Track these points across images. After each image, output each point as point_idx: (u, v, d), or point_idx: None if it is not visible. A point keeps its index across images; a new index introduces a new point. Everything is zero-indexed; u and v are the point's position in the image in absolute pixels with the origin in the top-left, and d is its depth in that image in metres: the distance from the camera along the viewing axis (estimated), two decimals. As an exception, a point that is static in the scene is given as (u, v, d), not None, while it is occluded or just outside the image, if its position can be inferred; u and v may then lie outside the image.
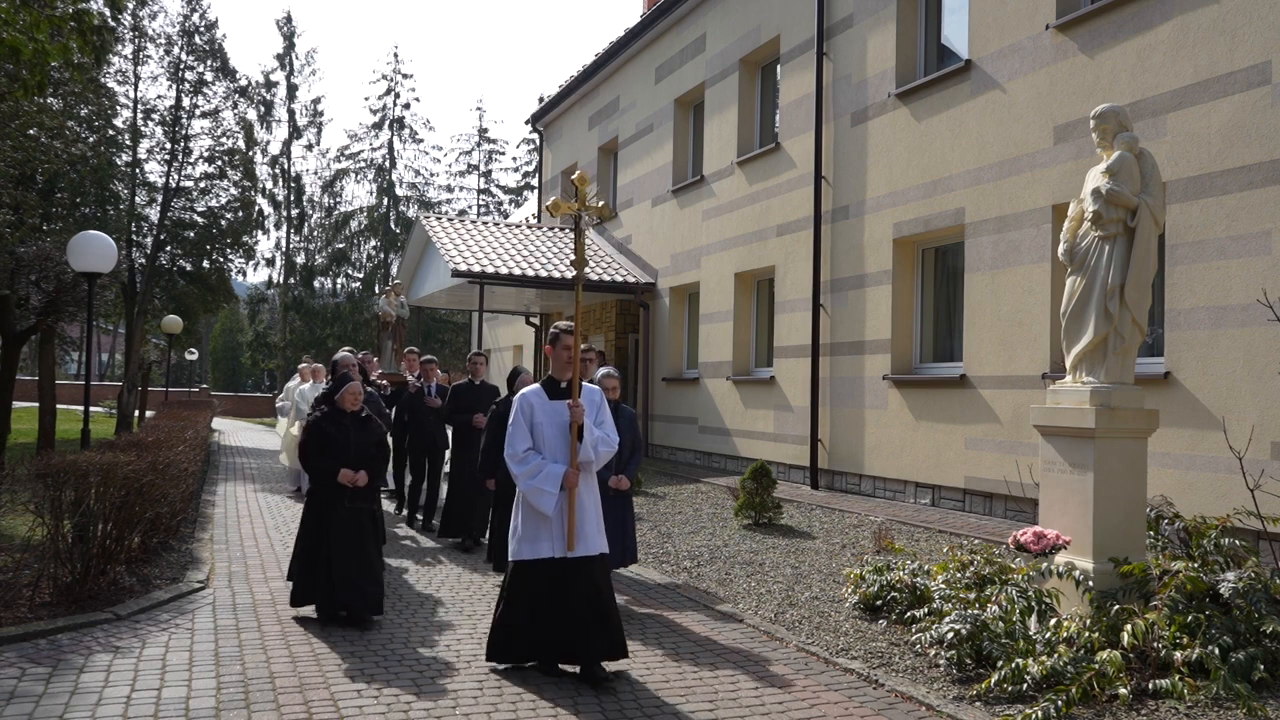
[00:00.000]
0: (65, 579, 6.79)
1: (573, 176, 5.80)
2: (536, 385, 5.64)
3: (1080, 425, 5.85)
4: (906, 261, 12.03)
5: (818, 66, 13.29)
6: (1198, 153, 8.32)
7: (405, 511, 11.50)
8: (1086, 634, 5.30)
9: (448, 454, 11.05)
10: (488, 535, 8.46)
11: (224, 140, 32.69)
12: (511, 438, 5.46)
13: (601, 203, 5.85)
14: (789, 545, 9.23)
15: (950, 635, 5.50)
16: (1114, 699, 4.85)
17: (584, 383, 5.72)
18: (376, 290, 49.71)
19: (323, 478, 6.67)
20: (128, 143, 31.42)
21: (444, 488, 10.92)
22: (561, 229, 20.96)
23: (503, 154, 57.51)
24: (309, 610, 6.73)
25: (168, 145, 32.17)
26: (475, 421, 9.61)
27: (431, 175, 56.41)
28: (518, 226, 20.92)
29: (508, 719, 4.80)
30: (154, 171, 32.77)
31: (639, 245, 18.81)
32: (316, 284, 51.00)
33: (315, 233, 51.35)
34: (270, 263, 50.21)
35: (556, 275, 17.88)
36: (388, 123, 53.26)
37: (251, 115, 37.84)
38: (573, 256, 6.32)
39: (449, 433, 10.75)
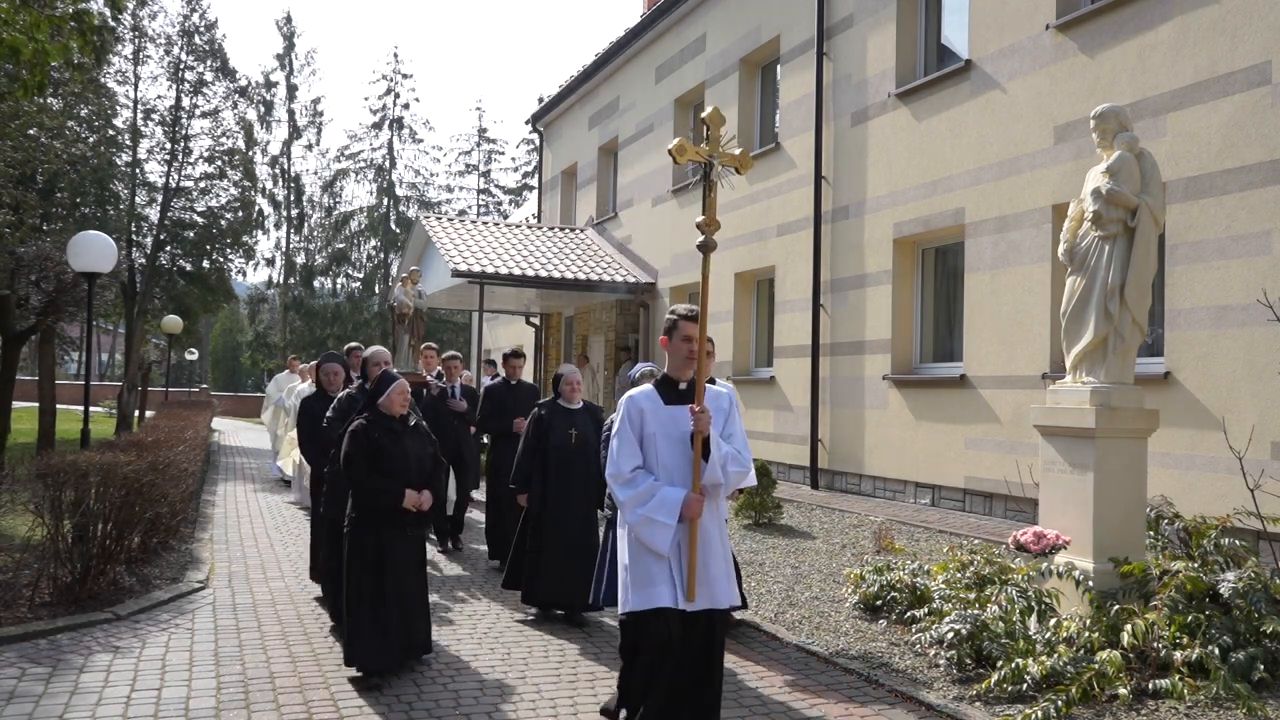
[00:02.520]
0: (65, 579, 6.80)
1: (704, 114, 4.51)
2: (648, 386, 4.43)
3: (1080, 425, 5.86)
4: (906, 261, 12.03)
5: (818, 66, 13.29)
6: (1198, 153, 8.31)
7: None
8: (1086, 634, 5.30)
9: (481, 463, 10.24)
10: (510, 557, 7.48)
11: (224, 140, 32.69)
12: (616, 453, 4.27)
13: (740, 149, 4.53)
14: (789, 545, 9.23)
15: (950, 635, 5.50)
16: (1114, 699, 4.85)
17: (711, 384, 4.51)
18: (376, 290, 49.71)
19: (378, 500, 5.48)
20: (128, 143, 31.40)
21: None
22: (562, 229, 20.96)
23: (502, 154, 57.47)
24: (357, 670, 5.40)
25: (168, 145, 32.16)
26: (516, 426, 8.77)
27: (431, 175, 56.47)
28: (518, 226, 20.92)
29: (508, 716, 4.81)
30: (154, 171, 32.76)
31: (639, 245, 18.81)
32: (316, 284, 50.97)
33: (315, 233, 51.33)
34: (270, 263, 50.21)
35: (556, 275, 17.87)
36: (388, 123, 53.22)
37: (251, 115, 37.82)
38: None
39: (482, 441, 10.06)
